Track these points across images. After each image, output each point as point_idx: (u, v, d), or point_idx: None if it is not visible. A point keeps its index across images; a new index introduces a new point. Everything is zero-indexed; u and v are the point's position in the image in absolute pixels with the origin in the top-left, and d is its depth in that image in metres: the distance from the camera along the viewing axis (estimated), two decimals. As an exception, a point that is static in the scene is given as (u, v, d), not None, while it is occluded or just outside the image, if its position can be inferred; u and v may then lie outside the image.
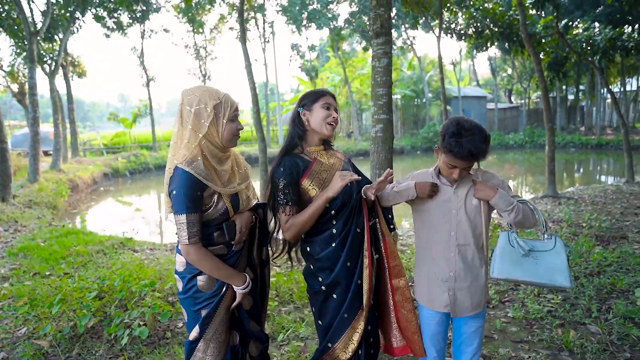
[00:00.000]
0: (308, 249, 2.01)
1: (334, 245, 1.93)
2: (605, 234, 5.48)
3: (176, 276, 1.80)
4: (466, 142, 1.72)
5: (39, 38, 12.90)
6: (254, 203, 1.94)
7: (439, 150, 1.89)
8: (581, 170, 19.73)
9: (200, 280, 1.73)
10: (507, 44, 11.53)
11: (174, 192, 1.61)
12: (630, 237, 5.31)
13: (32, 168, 11.06)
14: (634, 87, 29.96)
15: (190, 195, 1.60)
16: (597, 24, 14.55)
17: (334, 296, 1.93)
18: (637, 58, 20.25)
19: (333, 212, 1.92)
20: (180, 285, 1.77)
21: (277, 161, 2.00)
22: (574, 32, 12.83)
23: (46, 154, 18.18)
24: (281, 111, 30.12)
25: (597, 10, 21.02)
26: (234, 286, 1.75)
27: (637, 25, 17.62)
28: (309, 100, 2.00)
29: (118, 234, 6.81)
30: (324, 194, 1.87)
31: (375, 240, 2.04)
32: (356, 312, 1.92)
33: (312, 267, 2.00)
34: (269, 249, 2.06)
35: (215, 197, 1.69)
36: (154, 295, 3.41)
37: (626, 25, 17.99)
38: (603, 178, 15.94)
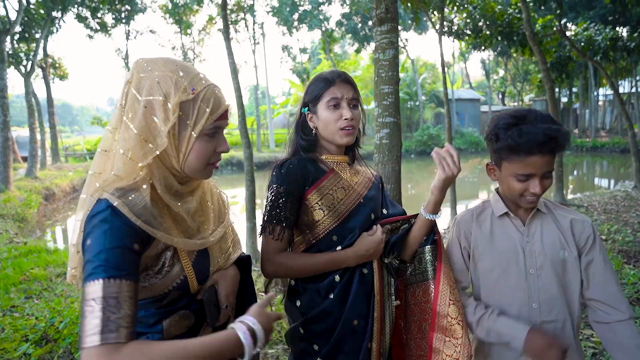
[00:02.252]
0: (298, 302, 1.37)
1: (332, 296, 1.31)
2: (630, 249, 4.94)
3: None
4: (534, 125, 1.13)
5: (14, 37, 12.20)
6: (236, 256, 1.18)
7: (493, 168, 1.27)
8: (575, 172, 19.40)
9: None
10: (506, 43, 11.07)
11: (88, 243, 0.84)
12: (662, 254, 4.76)
13: (1, 176, 10.28)
14: (627, 90, 29.84)
15: (119, 250, 0.83)
16: (592, 25, 14.26)
17: None
18: (631, 60, 20.03)
19: (340, 248, 1.32)
20: None
21: (281, 160, 1.40)
22: (574, 32, 12.47)
23: (25, 159, 17.37)
24: (272, 114, 29.50)
25: (591, 12, 20.86)
26: None
27: (629, 27, 17.39)
28: (311, 96, 1.38)
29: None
30: (354, 253, 1.30)
31: (394, 281, 1.41)
32: None
33: (302, 330, 1.36)
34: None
35: (167, 256, 0.96)
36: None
37: (619, 27, 17.84)
38: (603, 182, 15.54)
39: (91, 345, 0.75)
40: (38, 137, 13.80)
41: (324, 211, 1.32)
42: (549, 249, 1.25)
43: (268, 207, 1.32)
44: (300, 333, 1.36)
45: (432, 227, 1.37)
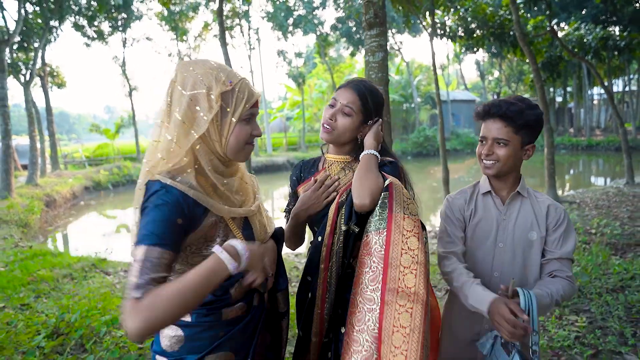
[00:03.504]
0: None
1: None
2: (618, 242, 5.11)
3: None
4: (499, 100, 1.40)
5: (13, 47, 12.36)
6: (271, 230, 1.33)
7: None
8: (572, 171, 19.60)
9: None
10: (498, 44, 11.26)
11: (143, 216, 1.01)
12: (647, 245, 4.93)
13: (3, 184, 10.40)
14: (620, 88, 30.12)
15: (166, 221, 0.98)
16: (583, 25, 14.50)
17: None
18: (625, 58, 20.26)
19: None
20: None
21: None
22: (566, 32, 12.68)
23: (25, 167, 17.46)
24: (269, 119, 29.68)
25: (583, 12, 21.12)
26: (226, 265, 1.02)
27: (621, 26, 17.63)
28: None
29: (96, 252, 6.24)
30: (295, 210, 1.49)
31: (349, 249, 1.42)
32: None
33: None
34: (285, 292, 1.37)
35: (221, 227, 1.12)
36: (115, 335, 2.89)
37: (612, 26, 18.09)
38: (599, 180, 15.74)
39: (128, 297, 0.92)
40: (38, 145, 13.92)
41: None
42: (520, 228, 1.43)
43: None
44: None
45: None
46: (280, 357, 1.39)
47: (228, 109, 1.08)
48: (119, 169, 18.05)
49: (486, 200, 1.49)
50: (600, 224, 5.96)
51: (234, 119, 1.09)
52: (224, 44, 5.85)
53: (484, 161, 1.41)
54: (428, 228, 9.08)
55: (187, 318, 1.13)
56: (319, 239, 1.40)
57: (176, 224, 1.00)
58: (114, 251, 6.40)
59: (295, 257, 5.78)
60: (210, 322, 1.14)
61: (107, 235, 10.29)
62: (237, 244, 1.05)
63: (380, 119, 1.47)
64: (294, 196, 1.57)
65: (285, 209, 1.61)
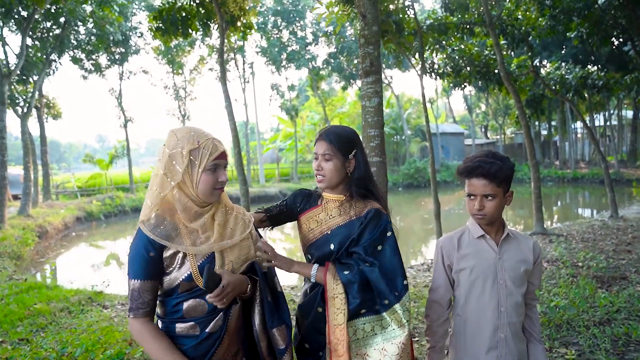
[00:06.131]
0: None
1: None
2: (604, 275, 5.28)
3: None
4: (473, 158, 1.61)
5: (12, 80, 12.57)
6: (251, 264, 1.55)
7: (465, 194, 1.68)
8: (559, 203, 20.00)
9: None
10: (485, 82, 11.76)
11: (128, 254, 1.40)
12: (632, 278, 5.11)
13: (-3, 215, 10.38)
14: (602, 123, 31.15)
15: (138, 257, 1.35)
16: (563, 64, 15.24)
17: None
18: (604, 95, 21.15)
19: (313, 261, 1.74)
20: None
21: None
22: (547, 71, 13.30)
23: (16, 197, 17.34)
24: (262, 150, 29.99)
25: (563, 51, 22.17)
26: None
27: (599, 65, 18.50)
28: None
29: (88, 284, 6.23)
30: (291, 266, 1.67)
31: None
32: None
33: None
34: (283, 329, 1.53)
35: (179, 257, 1.39)
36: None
37: (590, 65, 18.99)
38: (586, 212, 16.09)
39: (128, 317, 1.38)
40: (32, 175, 13.92)
41: (303, 232, 1.76)
42: (514, 265, 1.64)
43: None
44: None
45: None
46: None
47: (196, 162, 1.39)
48: (111, 200, 18.01)
49: (480, 243, 1.67)
50: (587, 257, 6.15)
51: (200, 170, 1.39)
52: (224, 83, 6.12)
53: (477, 215, 1.62)
54: (420, 260, 9.20)
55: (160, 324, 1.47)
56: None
57: (149, 257, 1.36)
58: (110, 284, 6.39)
59: (291, 290, 5.84)
60: (166, 333, 1.42)
61: (98, 267, 10.21)
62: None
63: (355, 150, 1.69)
64: (284, 207, 1.82)
65: (266, 208, 1.84)
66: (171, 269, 1.38)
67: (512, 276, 1.63)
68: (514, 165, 1.65)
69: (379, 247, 1.58)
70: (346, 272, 1.55)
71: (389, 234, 1.61)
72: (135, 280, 1.35)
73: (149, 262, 1.35)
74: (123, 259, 11.64)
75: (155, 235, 1.35)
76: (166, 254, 1.37)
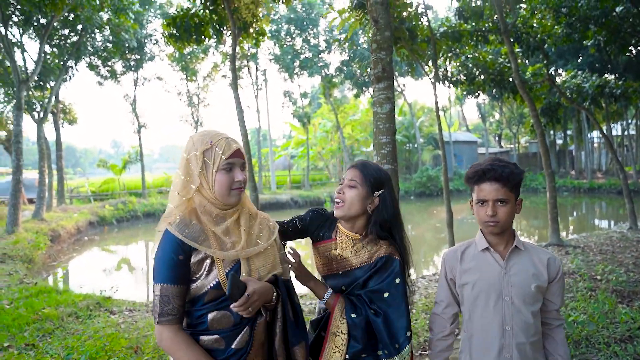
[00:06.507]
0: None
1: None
2: (624, 289, 5.09)
3: None
4: (483, 162, 1.53)
5: (29, 85, 12.82)
6: (277, 272, 1.48)
7: (471, 202, 1.58)
8: (575, 213, 19.58)
9: None
10: (499, 90, 11.62)
11: (154, 257, 1.34)
12: (653, 293, 4.91)
13: (10, 218, 10.51)
14: (619, 132, 30.56)
15: (168, 260, 1.29)
16: (579, 72, 14.99)
17: None
18: (621, 104, 20.74)
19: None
20: None
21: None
22: (563, 80, 13.09)
23: (31, 201, 17.59)
24: (273, 157, 30.07)
25: (579, 60, 21.84)
26: None
27: (617, 74, 18.18)
28: None
29: (98, 288, 6.23)
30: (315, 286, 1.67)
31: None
32: None
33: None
34: (303, 346, 1.46)
35: (207, 263, 1.32)
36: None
37: (606, 73, 18.65)
38: (602, 223, 15.71)
39: (155, 322, 1.29)
40: (46, 180, 14.12)
41: (317, 261, 1.72)
42: (523, 281, 1.51)
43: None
44: None
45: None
46: None
47: (210, 162, 1.35)
48: (124, 205, 18.16)
49: (484, 257, 1.57)
50: (605, 270, 5.95)
51: (214, 170, 1.34)
52: (235, 89, 6.11)
53: (489, 222, 1.50)
54: (431, 270, 9.02)
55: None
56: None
57: (178, 260, 1.30)
58: (119, 289, 6.38)
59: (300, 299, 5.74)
60: None
61: (110, 272, 10.26)
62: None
63: (383, 191, 1.61)
64: (297, 225, 1.73)
65: (277, 221, 1.71)
66: (198, 275, 1.32)
67: (521, 293, 1.50)
68: (524, 171, 1.57)
69: (386, 295, 1.53)
70: (353, 315, 1.53)
71: (397, 280, 1.54)
72: (164, 285, 1.28)
73: (178, 265, 1.29)
74: (134, 263, 11.69)
75: (184, 236, 1.30)
76: (194, 259, 1.32)
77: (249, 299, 1.27)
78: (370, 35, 3.53)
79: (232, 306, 1.28)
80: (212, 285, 1.31)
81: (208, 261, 1.32)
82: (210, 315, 1.32)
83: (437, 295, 1.69)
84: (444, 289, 1.66)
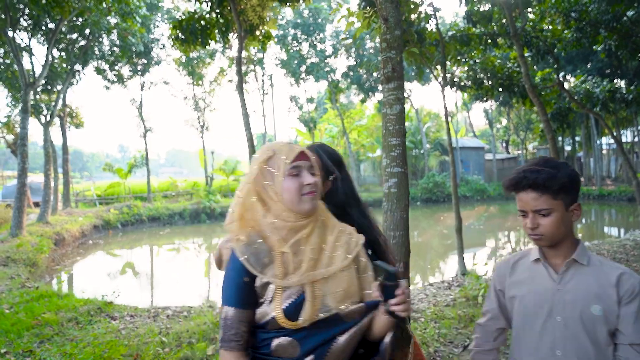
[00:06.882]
0: None
1: None
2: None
3: None
4: (521, 168, 1.34)
5: (37, 89, 12.87)
6: (358, 305, 1.23)
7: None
8: (584, 220, 19.29)
9: None
10: (507, 94, 11.47)
11: (224, 275, 1.27)
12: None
13: (15, 221, 10.47)
14: (629, 139, 30.20)
15: (232, 282, 1.22)
16: (590, 78, 14.82)
17: None
18: (631, 110, 20.48)
19: None
20: None
21: None
22: (572, 85, 12.93)
23: (37, 204, 17.63)
24: (279, 161, 29.96)
25: (588, 65, 21.62)
26: None
27: (626, 80, 17.96)
28: None
29: (102, 293, 6.13)
30: None
31: None
32: None
33: None
34: None
35: (271, 288, 1.19)
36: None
37: (617, 79, 18.42)
38: (612, 231, 15.45)
39: (220, 348, 1.20)
40: (52, 183, 14.13)
41: None
42: (581, 301, 1.27)
43: None
44: None
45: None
46: None
47: (274, 170, 1.24)
48: (129, 209, 18.15)
49: (537, 268, 1.38)
50: (621, 279, 5.77)
51: (280, 177, 1.23)
52: (241, 91, 6.03)
53: (532, 235, 1.32)
54: (438, 278, 8.84)
55: None
56: None
57: (243, 282, 1.20)
58: (122, 294, 6.29)
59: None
60: None
61: (114, 276, 10.18)
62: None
63: (336, 174, 1.56)
64: None
65: None
66: (262, 300, 1.20)
67: (577, 315, 1.27)
68: (575, 171, 1.31)
69: None
70: None
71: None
72: (229, 308, 1.19)
73: (243, 288, 1.19)
74: (138, 268, 11.62)
75: (246, 260, 1.19)
76: (258, 282, 1.20)
77: (403, 292, 1.12)
78: (379, 35, 3.43)
79: (389, 303, 1.11)
80: (273, 316, 1.17)
81: (272, 287, 1.19)
82: (275, 342, 1.19)
83: (484, 306, 1.54)
84: (492, 300, 1.50)
